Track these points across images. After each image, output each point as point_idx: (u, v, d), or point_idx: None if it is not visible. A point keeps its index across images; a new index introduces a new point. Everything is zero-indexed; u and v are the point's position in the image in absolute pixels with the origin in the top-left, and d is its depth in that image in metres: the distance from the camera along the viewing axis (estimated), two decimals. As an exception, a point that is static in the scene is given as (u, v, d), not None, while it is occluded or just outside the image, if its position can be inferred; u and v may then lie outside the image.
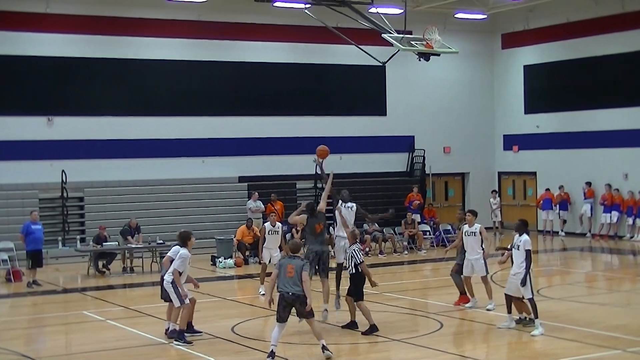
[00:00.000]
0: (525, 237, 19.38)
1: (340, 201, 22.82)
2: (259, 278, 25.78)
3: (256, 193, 36.88)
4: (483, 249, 22.12)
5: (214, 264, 32.40)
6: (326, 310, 20.76)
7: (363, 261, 19.74)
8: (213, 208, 36.39)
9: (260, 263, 26.22)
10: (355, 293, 19.85)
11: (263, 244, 25.49)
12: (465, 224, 22.49)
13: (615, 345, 17.24)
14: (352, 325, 19.98)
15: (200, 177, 37.33)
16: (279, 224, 25.96)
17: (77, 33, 35.22)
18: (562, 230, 42.19)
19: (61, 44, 34.99)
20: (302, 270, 16.32)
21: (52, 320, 23.67)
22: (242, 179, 38.38)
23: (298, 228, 27.45)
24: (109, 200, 35.38)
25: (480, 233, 22.13)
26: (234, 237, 33.05)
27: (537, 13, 42.05)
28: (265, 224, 25.97)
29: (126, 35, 36.22)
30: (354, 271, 19.78)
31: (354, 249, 19.80)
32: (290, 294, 16.22)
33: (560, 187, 41.92)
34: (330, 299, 21.12)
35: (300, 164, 38.79)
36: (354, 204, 22.84)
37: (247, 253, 32.99)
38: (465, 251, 22.30)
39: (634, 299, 24.81)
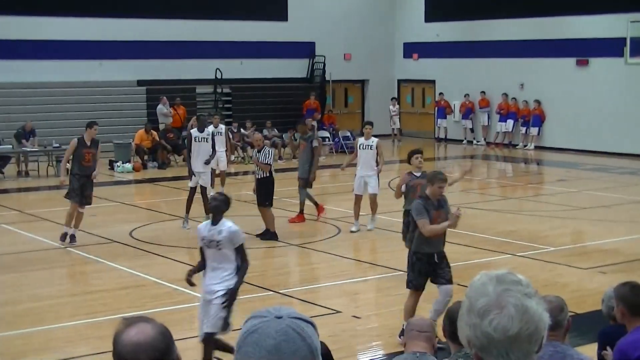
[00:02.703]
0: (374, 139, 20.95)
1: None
2: (159, 184, 25.73)
3: (164, 97, 36.54)
4: (377, 165, 21.64)
5: (112, 168, 32.22)
6: None
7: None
8: (111, 112, 35.74)
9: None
10: (262, 199, 20.44)
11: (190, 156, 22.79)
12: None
13: (506, 250, 17.95)
14: (268, 234, 20.32)
15: (98, 81, 37.07)
16: (208, 130, 23.65)
17: None
18: (465, 139, 42.94)
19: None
20: None
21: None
22: (140, 83, 38.28)
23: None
24: (2, 103, 34.90)
25: (377, 147, 21.57)
26: (132, 141, 33.05)
27: None
28: (191, 130, 23.39)
29: None
30: (260, 176, 20.48)
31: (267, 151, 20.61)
32: None
33: (466, 96, 42.60)
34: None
35: (199, 68, 39.00)
36: None
37: (146, 157, 33.02)
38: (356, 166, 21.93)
39: (525, 205, 25.59)
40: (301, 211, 22.53)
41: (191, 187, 22.00)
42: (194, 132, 22.75)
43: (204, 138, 22.36)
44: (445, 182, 13.28)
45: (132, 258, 18.25)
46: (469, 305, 3.29)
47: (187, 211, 21.88)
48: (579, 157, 36.67)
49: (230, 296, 11.17)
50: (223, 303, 11.07)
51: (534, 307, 3.22)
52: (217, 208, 11.58)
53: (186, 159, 23.34)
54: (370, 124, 22.70)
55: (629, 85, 35.86)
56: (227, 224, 11.35)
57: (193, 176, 21.96)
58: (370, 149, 21.53)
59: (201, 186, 22.00)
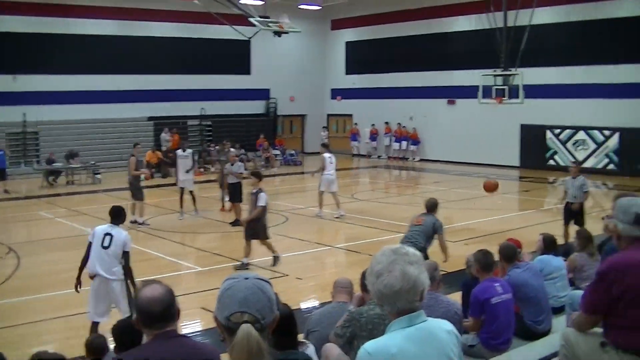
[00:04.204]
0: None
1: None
2: (163, 188, 25.63)
3: (166, 128, 36.94)
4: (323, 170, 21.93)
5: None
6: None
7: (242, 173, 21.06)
8: (130, 139, 35.16)
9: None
10: (235, 197, 20.85)
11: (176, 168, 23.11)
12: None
13: (401, 230, 17.93)
14: (236, 222, 20.18)
15: (121, 117, 36.85)
16: (189, 150, 23.29)
17: None
18: (370, 155, 42.99)
19: None
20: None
21: (17, 217, 23.55)
22: (150, 119, 38.06)
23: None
24: (57, 134, 34.75)
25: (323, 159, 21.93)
26: (144, 158, 32.87)
27: (355, 6, 42.40)
28: (177, 151, 23.67)
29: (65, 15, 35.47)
30: (233, 181, 20.93)
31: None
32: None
33: (372, 125, 42.66)
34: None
35: (189, 108, 39.13)
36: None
37: (153, 170, 32.84)
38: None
39: (413, 199, 25.65)
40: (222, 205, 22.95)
41: (181, 188, 22.21)
42: (179, 152, 23.12)
43: (185, 156, 22.65)
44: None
45: (142, 239, 18.17)
46: (370, 270, 3.42)
47: (181, 206, 21.94)
48: (448, 166, 36.96)
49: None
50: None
51: (412, 271, 3.36)
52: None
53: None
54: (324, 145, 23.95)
55: (481, 117, 36.11)
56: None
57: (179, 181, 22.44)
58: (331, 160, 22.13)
59: (184, 188, 22.17)
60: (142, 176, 22.29)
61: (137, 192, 20.67)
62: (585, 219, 16.48)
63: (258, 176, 15.88)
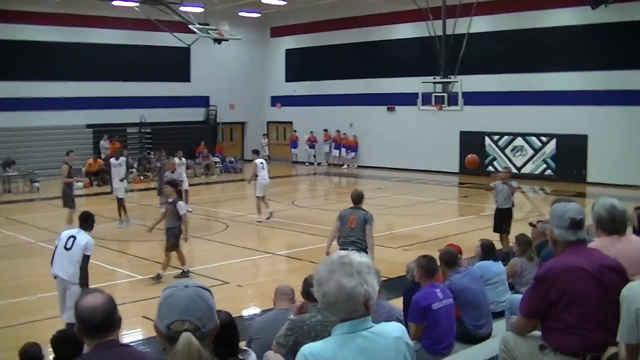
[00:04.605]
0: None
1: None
2: (101, 196, 25.35)
3: (105, 135, 36.41)
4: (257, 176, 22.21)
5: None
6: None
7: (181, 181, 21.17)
8: (68, 147, 34.64)
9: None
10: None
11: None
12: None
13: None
14: None
15: (60, 125, 36.20)
16: (122, 158, 23.09)
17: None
18: (308, 162, 42.94)
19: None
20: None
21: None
22: (88, 126, 37.48)
23: None
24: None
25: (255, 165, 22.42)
26: (83, 167, 32.43)
27: (294, 13, 42.40)
28: (111, 159, 23.55)
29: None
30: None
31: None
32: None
33: (311, 132, 42.64)
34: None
35: (129, 115, 38.64)
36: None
37: (92, 178, 32.48)
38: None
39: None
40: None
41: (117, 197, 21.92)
42: (113, 160, 22.84)
43: (119, 164, 22.42)
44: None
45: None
46: (315, 277, 3.42)
47: (119, 214, 21.72)
48: (389, 173, 37.16)
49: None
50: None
51: (348, 283, 3.35)
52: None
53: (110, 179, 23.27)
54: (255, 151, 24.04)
55: (421, 124, 36.47)
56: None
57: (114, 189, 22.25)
58: (263, 165, 22.58)
59: (117, 197, 21.86)
60: (81, 184, 22.00)
61: (68, 200, 20.32)
62: (511, 225, 16.52)
63: (173, 185, 15.54)
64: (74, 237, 10.48)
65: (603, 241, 5.41)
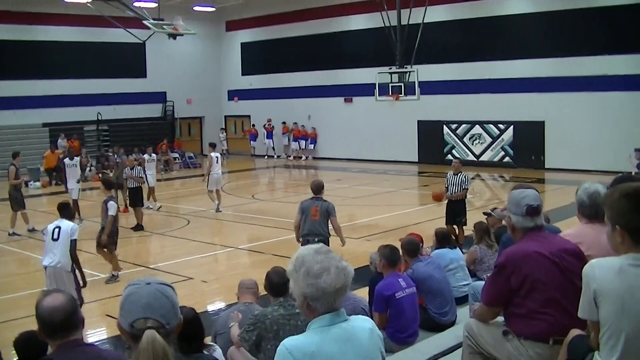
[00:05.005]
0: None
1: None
2: (60, 196, 24.97)
3: (62, 134, 35.72)
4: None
5: (27, 186, 30.58)
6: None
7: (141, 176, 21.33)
8: (24, 146, 34.07)
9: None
10: (136, 202, 20.62)
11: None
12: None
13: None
14: (138, 227, 20.12)
15: (15, 124, 35.76)
16: (76, 158, 22.73)
17: None
18: (272, 156, 42.80)
19: None
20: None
21: None
22: (45, 125, 37.02)
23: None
24: None
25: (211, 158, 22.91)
26: (41, 166, 31.98)
27: (249, 7, 42.29)
28: (65, 159, 23.03)
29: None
30: (133, 186, 20.87)
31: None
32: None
33: (269, 121, 42.46)
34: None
35: (85, 113, 38.12)
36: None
37: (53, 176, 31.91)
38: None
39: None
40: (125, 205, 22.36)
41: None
42: (67, 160, 22.51)
43: (73, 164, 22.16)
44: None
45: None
46: (305, 271, 3.37)
47: (78, 213, 21.34)
48: (348, 164, 37.23)
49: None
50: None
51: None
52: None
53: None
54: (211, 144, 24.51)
55: (378, 114, 36.61)
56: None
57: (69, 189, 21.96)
58: (217, 159, 23.18)
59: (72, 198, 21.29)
60: (39, 183, 21.69)
61: (15, 203, 20.00)
62: (466, 215, 16.36)
63: (105, 184, 14.84)
64: (59, 227, 10.89)
65: (584, 228, 5.43)
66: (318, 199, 12.81)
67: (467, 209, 16.67)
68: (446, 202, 16.84)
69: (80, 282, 11.08)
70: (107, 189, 14.56)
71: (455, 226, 16.34)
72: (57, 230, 10.88)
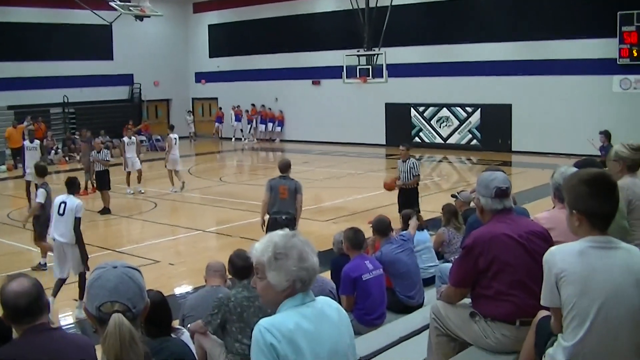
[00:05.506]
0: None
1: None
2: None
3: (29, 116, 34.10)
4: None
5: None
6: None
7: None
8: None
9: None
10: (103, 185, 20.45)
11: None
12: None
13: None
14: (105, 210, 19.97)
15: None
16: (37, 141, 22.21)
17: None
18: (240, 138, 42.62)
19: None
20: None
21: None
22: (10, 107, 36.31)
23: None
24: None
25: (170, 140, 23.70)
26: (7, 148, 31.49)
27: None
28: (24, 142, 22.51)
29: None
30: (100, 169, 20.72)
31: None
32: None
33: (238, 106, 42.39)
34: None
35: (52, 96, 37.62)
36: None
37: (17, 159, 31.39)
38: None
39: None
40: (85, 187, 22.42)
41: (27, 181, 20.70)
42: (26, 143, 22.03)
43: (33, 147, 21.57)
44: None
45: (8, 232, 17.61)
46: (299, 255, 3.35)
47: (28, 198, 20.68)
48: (316, 146, 37.25)
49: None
50: None
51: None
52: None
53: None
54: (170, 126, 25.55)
55: (345, 96, 36.70)
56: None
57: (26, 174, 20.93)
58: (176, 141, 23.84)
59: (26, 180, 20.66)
60: (4, 167, 21.32)
61: None
62: (419, 205, 15.78)
63: (37, 170, 14.13)
64: (65, 203, 11.29)
65: (558, 213, 5.47)
66: (285, 178, 12.93)
67: (419, 197, 16.27)
68: (397, 191, 16.29)
69: (83, 255, 11.45)
70: (40, 175, 13.88)
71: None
72: (62, 205, 11.28)
